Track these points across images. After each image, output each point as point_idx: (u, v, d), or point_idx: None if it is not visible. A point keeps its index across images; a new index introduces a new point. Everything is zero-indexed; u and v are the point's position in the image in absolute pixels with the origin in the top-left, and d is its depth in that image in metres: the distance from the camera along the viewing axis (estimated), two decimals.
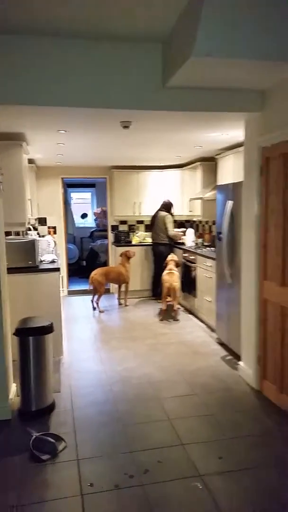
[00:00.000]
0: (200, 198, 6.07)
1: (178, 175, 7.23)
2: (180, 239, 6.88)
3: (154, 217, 6.97)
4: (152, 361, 4.29)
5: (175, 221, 7.40)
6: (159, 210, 6.95)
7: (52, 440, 2.72)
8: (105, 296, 6.83)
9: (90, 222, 11.31)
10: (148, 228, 7.44)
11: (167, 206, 6.93)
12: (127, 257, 6.65)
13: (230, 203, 4.26)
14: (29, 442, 2.72)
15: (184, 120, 3.79)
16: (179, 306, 6.19)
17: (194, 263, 5.83)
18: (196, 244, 6.50)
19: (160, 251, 6.85)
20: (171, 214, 6.91)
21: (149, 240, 7.34)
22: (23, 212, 4.48)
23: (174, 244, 6.93)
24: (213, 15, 2.41)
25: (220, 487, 2.35)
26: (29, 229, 5.57)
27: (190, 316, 6.02)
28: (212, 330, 5.14)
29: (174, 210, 6.99)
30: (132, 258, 6.73)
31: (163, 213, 6.86)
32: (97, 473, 2.49)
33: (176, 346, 4.73)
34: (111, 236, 7.88)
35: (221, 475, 2.46)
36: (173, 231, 6.81)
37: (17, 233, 5.50)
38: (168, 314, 5.91)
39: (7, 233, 4.72)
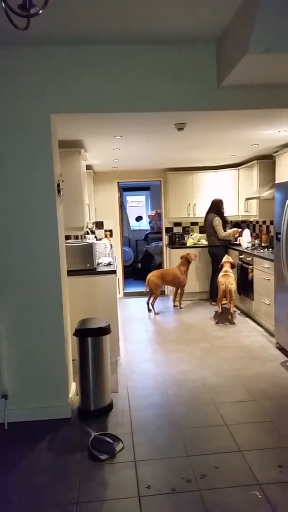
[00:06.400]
0: (257, 198, 5.91)
1: (233, 175, 7.09)
2: (235, 238, 6.73)
3: (205, 219, 6.91)
4: (208, 364, 4.24)
5: (230, 221, 7.26)
6: (209, 211, 6.85)
7: (110, 441, 2.78)
8: (160, 298, 6.86)
9: (144, 224, 11.42)
10: (202, 229, 7.37)
11: (216, 206, 6.77)
12: (187, 260, 6.57)
13: None
14: (88, 441, 2.81)
15: (240, 119, 3.72)
16: (235, 309, 6.06)
17: (251, 265, 5.69)
18: (253, 245, 6.33)
19: (213, 253, 6.79)
20: (222, 213, 6.76)
21: (203, 241, 7.27)
22: (81, 217, 4.62)
23: (229, 245, 6.81)
24: (270, 9, 2.34)
25: (280, 498, 2.27)
26: (87, 233, 5.74)
27: (247, 319, 5.87)
28: (271, 334, 4.98)
29: (225, 209, 6.81)
30: (193, 261, 6.63)
31: (211, 216, 6.76)
32: (154, 476, 2.50)
33: (233, 350, 4.64)
34: (165, 238, 7.91)
35: (281, 485, 2.37)
36: (223, 232, 6.65)
37: (76, 237, 5.69)
38: (224, 317, 5.81)
39: (67, 237, 4.90)
